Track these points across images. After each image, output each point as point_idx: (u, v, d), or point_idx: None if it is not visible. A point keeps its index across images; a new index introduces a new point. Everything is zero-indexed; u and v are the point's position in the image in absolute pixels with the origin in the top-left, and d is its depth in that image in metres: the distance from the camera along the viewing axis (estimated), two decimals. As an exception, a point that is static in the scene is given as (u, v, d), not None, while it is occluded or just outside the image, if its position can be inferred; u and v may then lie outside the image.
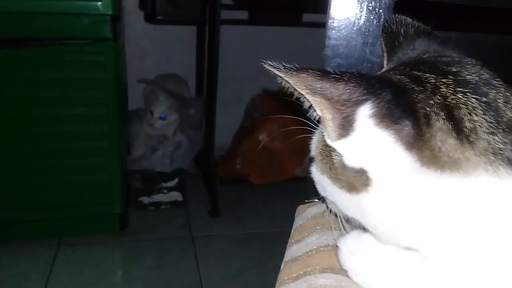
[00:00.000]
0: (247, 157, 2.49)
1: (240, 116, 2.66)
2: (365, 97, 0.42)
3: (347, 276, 0.55)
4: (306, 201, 0.78)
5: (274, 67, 0.44)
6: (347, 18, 0.69)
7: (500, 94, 0.45)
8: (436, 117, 0.43)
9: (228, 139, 2.62)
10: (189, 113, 2.41)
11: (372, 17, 0.68)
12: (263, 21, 2.50)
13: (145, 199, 2.22)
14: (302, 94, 0.44)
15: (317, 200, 0.72)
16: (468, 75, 0.46)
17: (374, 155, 0.44)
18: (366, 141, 0.43)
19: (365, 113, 0.43)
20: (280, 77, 0.44)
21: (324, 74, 0.43)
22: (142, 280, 1.78)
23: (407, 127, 0.42)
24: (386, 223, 0.47)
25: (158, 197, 2.24)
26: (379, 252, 0.51)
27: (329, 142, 0.46)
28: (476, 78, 0.45)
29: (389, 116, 0.42)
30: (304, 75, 0.43)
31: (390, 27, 0.57)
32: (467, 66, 0.48)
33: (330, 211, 0.57)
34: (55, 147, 1.82)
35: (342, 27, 0.70)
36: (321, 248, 0.62)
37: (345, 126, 0.44)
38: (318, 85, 0.43)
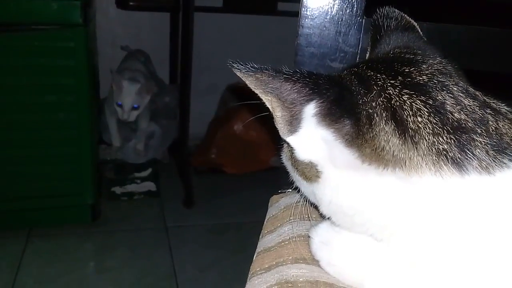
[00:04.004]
0: (222, 147, 2.48)
1: (215, 105, 2.64)
2: (310, 96, 0.45)
3: (319, 266, 0.55)
4: (279, 191, 0.77)
5: (235, 68, 0.46)
6: (320, 7, 0.68)
7: (450, 95, 0.46)
8: (378, 118, 0.45)
9: (203, 129, 2.59)
10: (163, 101, 2.37)
11: (345, 6, 0.68)
12: (238, 9, 2.48)
13: (118, 190, 2.19)
14: (256, 93, 0.46)
15: (290, 190, 0.72)
16: (419, 76, 0.47)
17: (319, 150, 0.47)
18: (311, 138, 0.47)
19: (310, 112, 0.45)
20: (240, 77, 0.46)
21: (276, 74, 0.44)
22: (115, 271, 1.76)
23: (347, 126, 0.45)
24: (339, 212, 0.50)
25: (131, 187, 2.21)
26: (350, 242, 0.53)
27: (282, 136, 0.49)
28: (426, 80, 0.47)
29: (330, 116, 0.45)
30: (259, 75, 0.45)
31: (378, 20, 0.59)
32: (424, 66, 0.49)
33: (305, 201, 0.58)
34: (23, 136, 1.77)
35: (315, 15, 0.69)
36: (294, 239, 0.62)
37: (293, 123, 0.46)
38: (270, 85, 0.45)
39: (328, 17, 0.69)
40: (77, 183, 1.90)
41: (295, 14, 0.74)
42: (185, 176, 2.31)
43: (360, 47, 0.71)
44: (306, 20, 0.70)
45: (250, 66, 0.45)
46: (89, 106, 1.81)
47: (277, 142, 0.57)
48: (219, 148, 2.48)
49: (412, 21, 0.59)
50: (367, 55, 0.60)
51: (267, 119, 0.49)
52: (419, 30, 0.58)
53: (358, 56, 0.73)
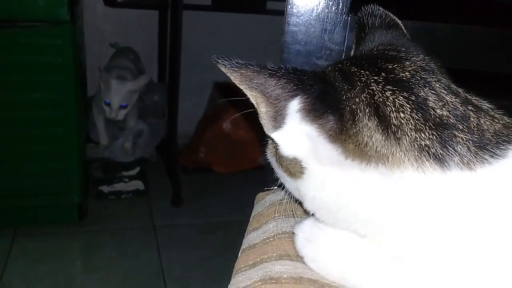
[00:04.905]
0: (210, 146, 2.47)
1: (204, 104, 2.63)
2: (295, 92, 0.45)
3: (304, 262, 0.55)
4: (265, 188, 0.77)
5: (219, 63, 0.45)
6: (306, 4, 0.68)
7: (433, 92, 0.46)
8: (361, 114, 0.45)
9: (192, 127, 2.58)
10: (152, 100, 2.36)
11: (331, 4, 0.68)
12: (227, 8, 2.47)
13: (105, 188, 2.17)
14: (241, 89, 0.46)
15: (276, 188, 0.72)
16: (402, 72, 0.48)
17: (304, 146, 0.48)
18: (296, 133, 0.47)
19: (294, 108, 0.45)
20: (225, 72, 0.46)
21: (261, 70, 0.45)
22: (102, 271, 1.74)
23: (330, 122, 0.45)
24: (323, 208, 0.50)
25: (119, 186, 2.19)
26: (334, 238, 0.53)
27: (267, 132, 0.49)
28: (409, 76, 0.47)
29: (314, 111, 0.45)
30: (243, 71, 0.45)
31: (362, 17, 0.59)
32: (407, 62, 0.49)
33: (290, 198, 0.58)
34: (9, 134, 1.75)
35: (301, 13, 0.69)
36: (279, 236, 0.62)
37: (278, 119, 0.47)
38: (254, 81, 0.45)
39: (314, 15, 0.69)
40: (64, 182, 1.88)
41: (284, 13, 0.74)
42: (173, 175, 2.30)
43: (345, 45, 0.72)
44: (292, 17, 0.70)
45: (235, 61, 0.45)
46: (76, 104, 1.79)
47: (263, 140, 0.57)
48: (208, 146, 2.47)
49: (396, 19, 0.59)
50: (352, 52, 0.61)
51: (255, 117, 0.50)
52: (403, 28, 0.58)
53: (343, 54, 0.73)
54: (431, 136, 0.44)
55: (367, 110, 0.45)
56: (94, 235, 1.94)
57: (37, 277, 1.67)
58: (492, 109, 0.48)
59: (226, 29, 2.53)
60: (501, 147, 0.44)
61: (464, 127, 0.44)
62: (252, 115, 0.50)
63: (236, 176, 2.45)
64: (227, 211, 2.18)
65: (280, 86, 0.45)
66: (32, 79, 1.71)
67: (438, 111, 0.45)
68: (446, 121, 0.44)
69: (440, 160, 0.43)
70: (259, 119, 0.49)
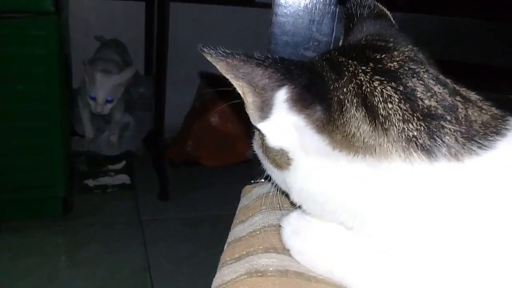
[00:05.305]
0: (198, 139, 2.46)
1: (192, 97, 2.61)
2: (282, 82, 0.44)
3: (290, 255, 0.55)
4: (252, 181, 0.77)
5: (205, 52, 0.45)
6: (294, -6, 0.67)
7: (421, 82, 0.46)
8: (349, 104, 0.45)
9: (179, 120, 2.56)
10: (138, 92, 2.33)
11: (319, -6, 0.67)
12: (215, 0, 2.45)
13: (91, 182, 2.14)
14: (228, 78, 0.46)
15: (263, 180, 0.72)
16: (390, 63, 0.47)
17: (290, 137, 0.47)
18: (282, 124, 0.46)
19: (281, 98, 0.45)
20: (211, 62, 0.45)
21: (247, 59, 0.44)
22: (87, 266, 1.72)
23: (318, 112, 0.45)
24: (310, 200, 0.50)
25: (105, 180, 2.16)
26: (321, 231, 0.52)
27: (253, 123, 0.48)
28: (397, 66, 0.47)
29: (301, 101, 0.45)
30: (230, 60, 0.44)
31: (351, 8, 0.58)
32: (395, 53, 0.49)
33: (277, 190, 0.58)
34: (-8, 126, 1.72)
35: (289, 3, 0.68)
36: (265, 228, 0.61)
37: (265, 109, 0.46)
38: (241, 70, 0.44)
39: (302, 5, 0.68)
40: (48, 175, 1.85)
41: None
42: (160, 169, 2.28)
43: (334, 36, 0.71)
44: (280, 8, 0.69)
45: (221, 51, 0.44)
46: (61, 96, 1.76)
47: (250, 132, 0.57)
48: (196, 140, 2.46)
49: (385, 9, 0.59)
50: (340, 43, 0.60)
51: (242, 110, 0.49)
52: (391, 19, 0.58)
53: (332, 45, 0.72)
54: (418, 127, 0.43)
55: (354, 101, 0.45)
56: (79, 230, 1.92)
57: (21, 271, 1.64)
58: (480, 100, 0.48)
59: (214, 22, 2.51)
60: (489, 138, 0.44)
61: (452, 118, 0.44)
62: (239, 108, 0.49)
63: (224, 170, 2.43)
64: (215, 205, 2.17)
65: (267, 75, 0.44)
66: (15, 71, 1.68)
67: (426, 101, 0.44)
68: (434, 112, 0.44)
69: (427, 151, 0.42)
70: (246, 109, 0.48)
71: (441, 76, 0.48)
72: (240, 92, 0.46)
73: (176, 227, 2.04)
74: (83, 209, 2.01)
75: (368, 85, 0.45)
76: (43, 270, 1.67)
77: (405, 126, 0.43)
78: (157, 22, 2.24)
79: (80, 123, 2.23)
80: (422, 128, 0.43)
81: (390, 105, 0.44)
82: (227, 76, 0.45)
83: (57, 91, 1.74)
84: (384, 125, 0.44)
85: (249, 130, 0.56)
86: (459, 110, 0.45)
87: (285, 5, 0.69)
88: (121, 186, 2.20)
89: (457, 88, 0.48)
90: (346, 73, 0.46)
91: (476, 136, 0.43)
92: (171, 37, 2.15)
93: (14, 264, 1.67)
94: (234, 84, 0.46)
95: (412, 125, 0.43)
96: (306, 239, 0.54)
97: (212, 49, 0.44)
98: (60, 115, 1.79)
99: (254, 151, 0.57)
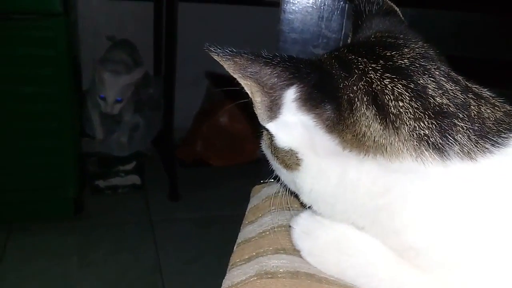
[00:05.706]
0: (207, 139, 2.45)
1: (201, 97, 2.61)
2: (291, 81, 0.43)
3: (300, 256, 0.54)
4: (261, 181, 0.76)
5: (212, 51, 0.44)
6: (302, -9, 0.66)
7: (432, 80, 0.45)
8: (359, 103, 0.44)
9: (188, 121, 2.56)
10: (148, 93, 2.33)
11: (327, -10, 0.66)
12: (224, 0, 2.45)
13: (101, 183, 2.15)
14: (235, 78, 0.45)
15: (272, 180, 0.71)
16: (400, 60, 0.46)
17: (300, 137, 0.46)
18: (291, 124, 0.45)
19: (290, 97, 0.44)
20: (218, 61, 0.44)
21: (255, 58, 0.43)
22: (98, 266, 1.73)
23: (327, 111, 0.44)
24: (320, 201, 0.49)
25: (115, 181, 2.17)
26: (332, 231, 0.51)
27: (262, 123, 0.47)
28: (408, 64, 0.46)
29: (310, 101, 0.44)
30: (237, 59, 0.43)
31: (359, 4, 0.57)
32: (405, 49, 0.48)
33: (286, 191, 0.57)
34: (2, 128, 1.73)
35: (298, 0, 0.67)
36: (275, 229, 0.60)
37: (273, 109, 0.45)
38: (249, 69, 0.43)
39: (310, 2, 0.67)
40: (59, 176, 1.87)
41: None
42: (170, 169, 2.28)
43: (343, 33, 0.70)
44: (288, 4, 0.68)
45: (228, 49, 0.44)
46: (70, 97, 1.78)
47: (258, 132, 0.56)
48: (205, 140, 2.46)
49: (394, 5, 0.58)
50: (349, 40, 0.59)
51: (251, 109, 0.48)
52: (401, 15, 0.57)
53: (341, 42, 0.71)
54: (430, 125, 0.42)
55: (365, 99, 0.44)
56: (90, 230, 1.93)
57: (33, 272, 1.65)
58: (492, 97, 0.47)
59: (222, 21, 2.51)
60: (503, 136, 0.42)
61: (465, 115, 0.43)
62: (248, 108, 0.48)
63: (233, 170, 2.43)
64: (224, 205, 2.17)
65: (276, 74, 0.43)
66: (25, 72, 1.69)
67: (437, 99, 0.43)
68: (446, 110, 0.43)
69: (439, 150, 0.42)
70: (254, 109, 0.47)
71: (452, 73, 0.47)
72: (248, 92, 0.46)
73: (186, 227, 2.04)
74: (94, 209, 2.03)
75: (379, 83, 0.44)
76: (54, 271, 1.68)
77: (416, 125, 0.42)
78: (166, 23, 2.24)
79: (90, 124, 2.24)
80: (434, 127, 0.42)
81: (401, 103, 0.43)
82: (235, 76, 0.44)
83: (67, 92, 1.76)
84: (395, 123, 0.43)
85: (257, 130, 0.55)
86: (472, 107, 0.44)
87: (293, 1, 0.68)
88: (131, 186, 2.21)
89: (470, 85, 0.47)
90: (356, 70, 0.45)
91: (490, 134, 0.42)
92: (180, 37, 2.15)
93: (26, 264, 1.69)
94: (242, 83, 0.45)
95: (424, 123, 0.42)
96: (316, 240, 0.53)
97: (219, 48, 0.44)
98: (69, 116, 1.80)
99: (263, 151, 0.56)
